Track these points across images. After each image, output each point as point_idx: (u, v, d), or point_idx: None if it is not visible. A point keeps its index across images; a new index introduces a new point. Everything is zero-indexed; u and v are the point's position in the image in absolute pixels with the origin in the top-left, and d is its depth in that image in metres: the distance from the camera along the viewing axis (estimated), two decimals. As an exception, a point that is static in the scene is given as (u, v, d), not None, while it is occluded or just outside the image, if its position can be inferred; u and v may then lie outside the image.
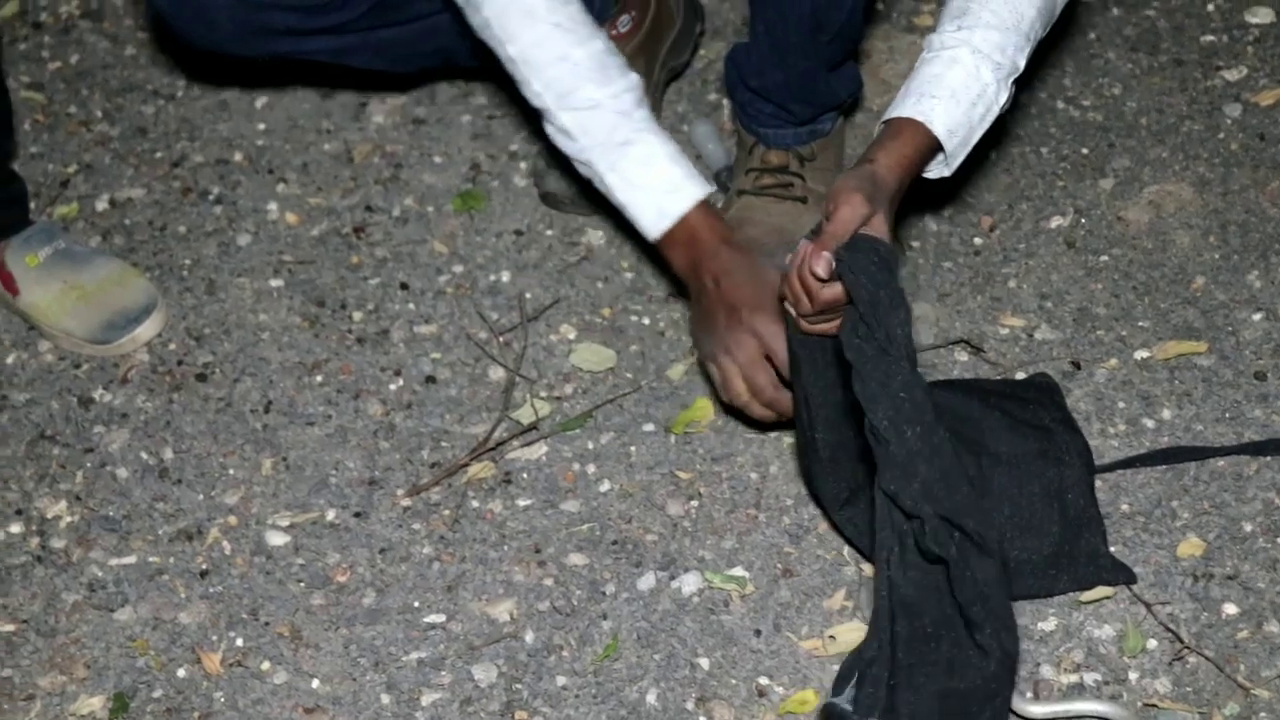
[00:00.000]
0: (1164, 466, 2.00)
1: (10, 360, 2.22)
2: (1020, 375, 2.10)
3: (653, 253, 2.09)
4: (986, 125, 1.87)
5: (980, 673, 1.69)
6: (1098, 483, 1.97)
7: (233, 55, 2.21)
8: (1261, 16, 2.57)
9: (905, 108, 1.83)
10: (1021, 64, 1.86)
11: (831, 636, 1.87)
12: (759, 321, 1.91)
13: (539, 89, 1.97)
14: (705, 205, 1.99)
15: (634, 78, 1.99)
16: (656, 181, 1.97)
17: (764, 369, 1.92)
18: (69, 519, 2.04)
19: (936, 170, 1.88)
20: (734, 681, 1.85)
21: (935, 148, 1.84)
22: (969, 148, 1.87)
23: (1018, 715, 1.77)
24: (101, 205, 2.42)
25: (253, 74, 2.53)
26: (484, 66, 2.16)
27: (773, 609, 1.91)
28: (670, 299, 2.23)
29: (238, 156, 2.48)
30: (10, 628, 1.93)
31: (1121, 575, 1.88)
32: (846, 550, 1.94)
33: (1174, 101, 2.46)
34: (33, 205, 2.32)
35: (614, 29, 2.38)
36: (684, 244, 1.98)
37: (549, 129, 2.01)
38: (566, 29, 1.95)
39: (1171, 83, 2.49)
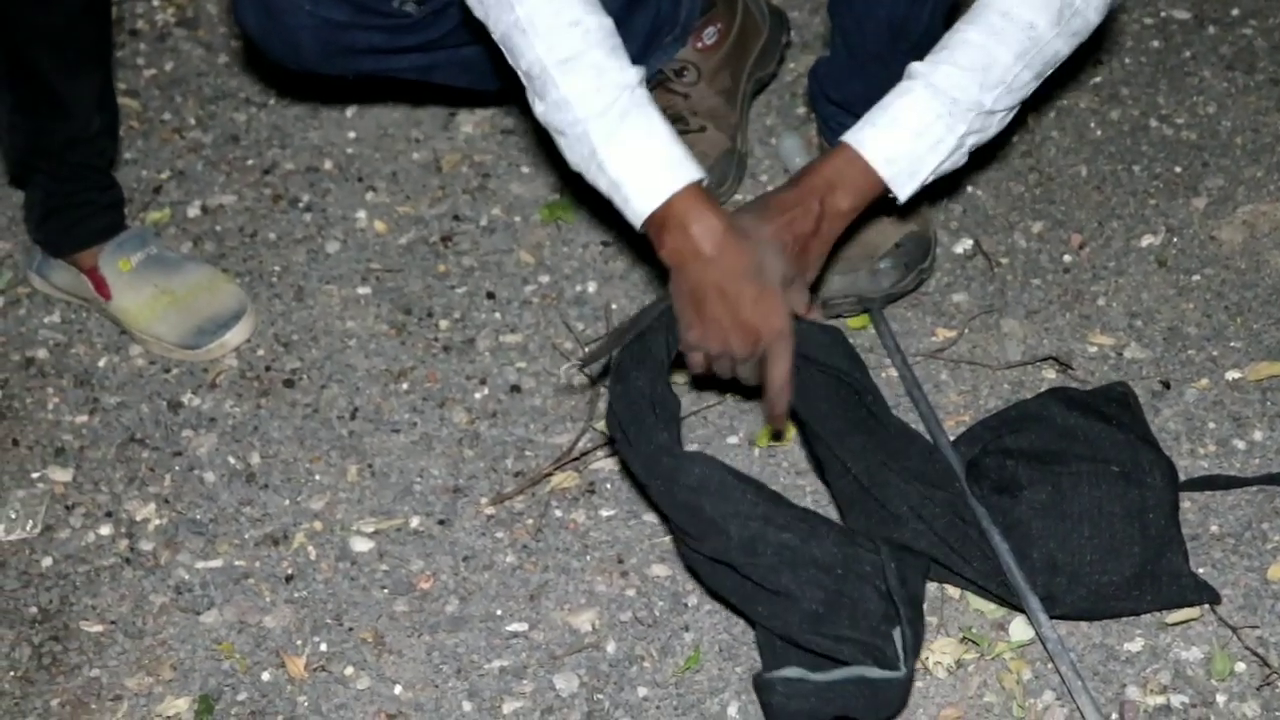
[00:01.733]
0: (1255, 488, 1.97)
1: (102, 364, 2.25)
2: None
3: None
4: (943, 156, 1.85)
5: None
6: (1186, 503, 1.95)
7: (320, 74, 2.22)
8: (1359, 35, 2.54)
9: (847, 133, 1.86)
10: (988, 102, 1.84)
11: (915, 653, 1.86)
12: (775, 348, 1.86)
13: (541, 52, 1.80)
14: (702, 188, 1.82)
15: (640, 67, 1.85)
16: (656, 155, 1.81)
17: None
18: (157, 521, 2.06)
19: (893, 193, 1.88)
20: (816, 697, 1.84)
21: (873, 173, 1.84)
22: (920, 177, 1.85)
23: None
24: (193, 211, 2.44)
25: (343, 84, 2.55)
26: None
27: (856, 625, 1.90)
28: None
29: (328, 165, 2.50)
30: (99, 629, 1.95)
31: (1205, 595, 1.86)
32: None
33: (1270, 121, 2.43)
34: (126, 210, 2.35)
35: (700, 40, 2.38)
36: (677, 226, 1.81)
37: (540, 106, 1.84)
38: None
39: (1268, 102, 2.46)
